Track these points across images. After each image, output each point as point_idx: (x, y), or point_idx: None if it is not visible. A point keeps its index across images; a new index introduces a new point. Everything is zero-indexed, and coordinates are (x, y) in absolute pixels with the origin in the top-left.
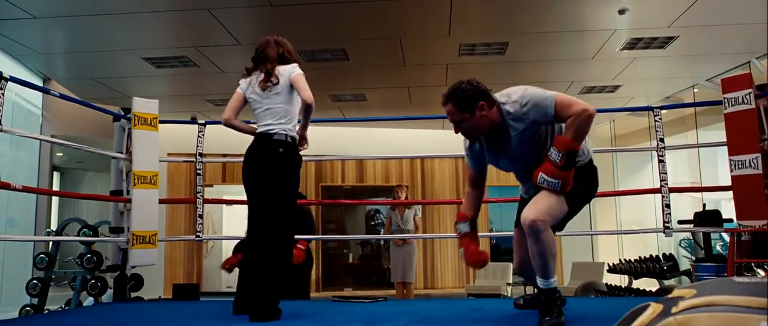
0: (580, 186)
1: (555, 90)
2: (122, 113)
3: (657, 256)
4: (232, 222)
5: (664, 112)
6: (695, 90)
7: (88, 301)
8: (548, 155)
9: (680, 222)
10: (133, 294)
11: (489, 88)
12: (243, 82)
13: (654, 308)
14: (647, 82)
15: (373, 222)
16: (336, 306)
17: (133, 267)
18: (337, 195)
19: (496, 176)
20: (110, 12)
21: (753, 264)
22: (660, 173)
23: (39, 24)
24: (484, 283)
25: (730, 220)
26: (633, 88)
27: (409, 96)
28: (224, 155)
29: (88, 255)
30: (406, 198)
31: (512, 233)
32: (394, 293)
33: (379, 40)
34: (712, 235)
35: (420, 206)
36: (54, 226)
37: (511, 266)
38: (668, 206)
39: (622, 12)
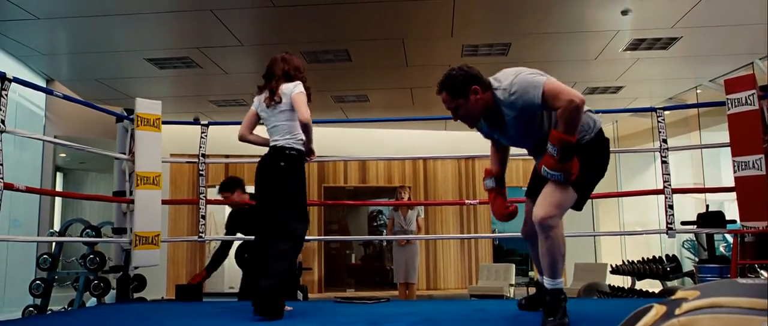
0: (587, 170)
1: None
2: (125, 114)
3: (660, 257)
4: None
5: (667, 112)
6: (698, 91)
7: (91, 302)
8: (547, 148)
9: (683, 223)
10: (135, 295)
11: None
12: (256, 100)
13: (657, 309)
14: (650, 82)
15: (375, 223)
16: (338, 306)
17: (135, 268)
18: (340, 196)
19: None
20: (113, 13)
21: (756, 266)
22: (663, 174)
23: (42, 25)
24: (487, 284)
25: (734, 221)
26: (636, 89)
27: (412, 97)
28: (227, 156)
29: (91, 256)
30: (409, 199)
31: (514, 234)
32: (397, 294)
33: (382, 40)
34: (716, 236)
35: (423, 207)
36: (57, 227)
37: (513, 267)
38: (671, 207)
39: (625, 13)
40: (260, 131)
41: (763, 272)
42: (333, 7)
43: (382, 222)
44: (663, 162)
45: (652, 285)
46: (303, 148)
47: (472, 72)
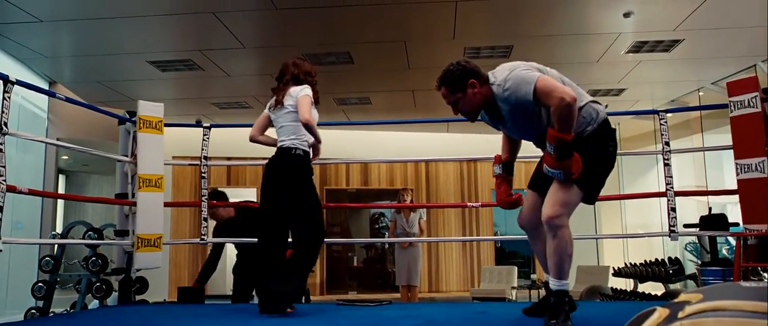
0: (594, 162)
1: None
2: (127, 116)
3: (662, 260)
4: None
5: (669, 115)
6: (701, 93)
7: (93, 304)
8: (546, 147)
9: (686, 225)
10: (137, 297)
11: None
12: (269, 103)
13: (660, 312)
14: (652, 85)
15: (377, 226)
16: (340, 309)
17: (138, 270)
18: (342, 199)
19: None
20: (115, 15)
21: (759, 269)
22: (665, 177)
23: (45, 27)
24: (489, 287)
25: (737, 224)
26: (638, 92)
27: (414, 99)
28: (229, 158)
29: (93, 258)
30: (411, 201)
31: (517, 236)
32: (399, 296)
33: (384, 43)
34: (718, 239)
35: (425, 209)
36: (59, 229)
37: (516, 270)
38: (674, 210)
39: (627, 15)
40: (273, 133)
41: (766, 275)
42: (334, 10)
43: (384, 224)
44: (665, 164)
45: (655, 288)
46: (308, 149)
47: (469, 66)
